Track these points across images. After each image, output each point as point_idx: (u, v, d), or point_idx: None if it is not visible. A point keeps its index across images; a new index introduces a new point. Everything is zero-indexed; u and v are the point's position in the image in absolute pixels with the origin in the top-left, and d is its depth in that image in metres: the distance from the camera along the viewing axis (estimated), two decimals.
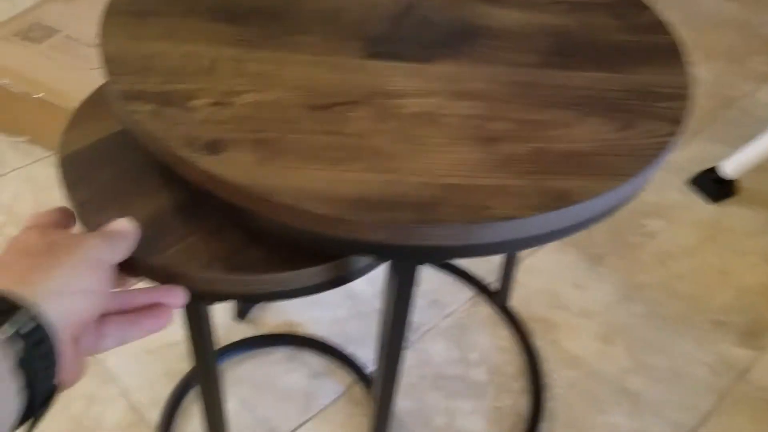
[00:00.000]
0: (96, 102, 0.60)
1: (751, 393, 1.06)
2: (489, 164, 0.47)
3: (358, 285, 1.16)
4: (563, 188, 0.45)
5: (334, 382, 1.03)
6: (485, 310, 1.15)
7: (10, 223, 1.21)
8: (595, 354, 1.10)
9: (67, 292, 0.36)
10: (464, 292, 1.17)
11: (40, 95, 1.22)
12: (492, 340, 1.11)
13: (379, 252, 0.45)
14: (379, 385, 0.64)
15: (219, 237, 0.49)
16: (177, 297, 0.47)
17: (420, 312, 1.13)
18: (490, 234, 0.43)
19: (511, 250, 0.46)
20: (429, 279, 1.19)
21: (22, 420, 0.34)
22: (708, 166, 1.39)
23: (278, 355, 1.05)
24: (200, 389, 0.62)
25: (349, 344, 1.07)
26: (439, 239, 0.43)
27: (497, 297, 1.15)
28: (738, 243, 1.30)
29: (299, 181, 0.44)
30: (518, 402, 1.03)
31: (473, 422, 1.00)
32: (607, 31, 0.60)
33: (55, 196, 1.25)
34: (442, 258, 0.46)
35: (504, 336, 1.12)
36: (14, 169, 1.31)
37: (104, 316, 0.43)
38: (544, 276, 1.21)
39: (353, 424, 0.98)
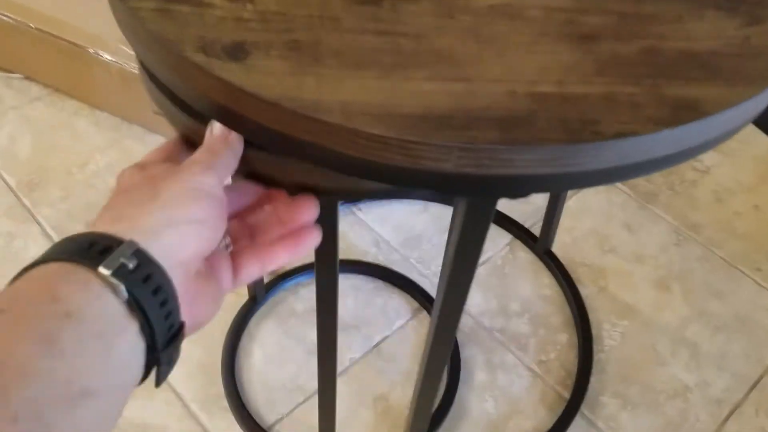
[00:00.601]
0: None
1: None
2: (588, 67, 0.36)
3: (386, 232, 1.07)
4: (689, 96, 0.35)
5: (362, 337, 0.94)
6: (525, 256, 1.06)
7: (6, 168, 1.11)
8: (649, 301, 1.01)
9: (170, 225, 0.33)
10: (501, 237, 1.08)
11: (36, 25, 1.11)
12: (534, 288, 1.02)
13: (451, 185, 0.35)
14: (430, 346, 0.55)
15: None
16: (310, 210, 0.42)
17: None
18: (601, 157, 0.33)
19: (622, 178, 0.36)
20: None
21: (150, 366, 0.31)
22: None
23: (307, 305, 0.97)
24: (319, 301, 0.57)
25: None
26: (531, 166, 0.33)
27: (539, 241, 1.05)
28: None
29: (346, 93, 0.34)
30: (565, 355, 0.94)
31: (516, 377, 0.92)
32: None
33: (55, 137, 1.16)
34: (530, 191, 0.36)
35: (547, 284, 1.02)
36: (10, 109, 1.21)
37: (238, 248, 0.40)
38: (591, 217, 1.11)
39: (381, 380, 0.90)
